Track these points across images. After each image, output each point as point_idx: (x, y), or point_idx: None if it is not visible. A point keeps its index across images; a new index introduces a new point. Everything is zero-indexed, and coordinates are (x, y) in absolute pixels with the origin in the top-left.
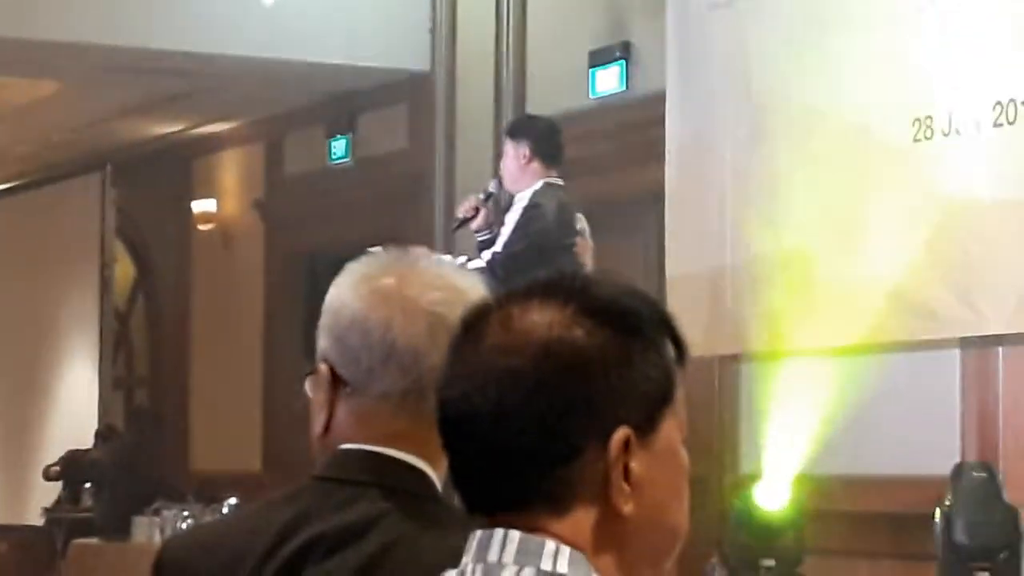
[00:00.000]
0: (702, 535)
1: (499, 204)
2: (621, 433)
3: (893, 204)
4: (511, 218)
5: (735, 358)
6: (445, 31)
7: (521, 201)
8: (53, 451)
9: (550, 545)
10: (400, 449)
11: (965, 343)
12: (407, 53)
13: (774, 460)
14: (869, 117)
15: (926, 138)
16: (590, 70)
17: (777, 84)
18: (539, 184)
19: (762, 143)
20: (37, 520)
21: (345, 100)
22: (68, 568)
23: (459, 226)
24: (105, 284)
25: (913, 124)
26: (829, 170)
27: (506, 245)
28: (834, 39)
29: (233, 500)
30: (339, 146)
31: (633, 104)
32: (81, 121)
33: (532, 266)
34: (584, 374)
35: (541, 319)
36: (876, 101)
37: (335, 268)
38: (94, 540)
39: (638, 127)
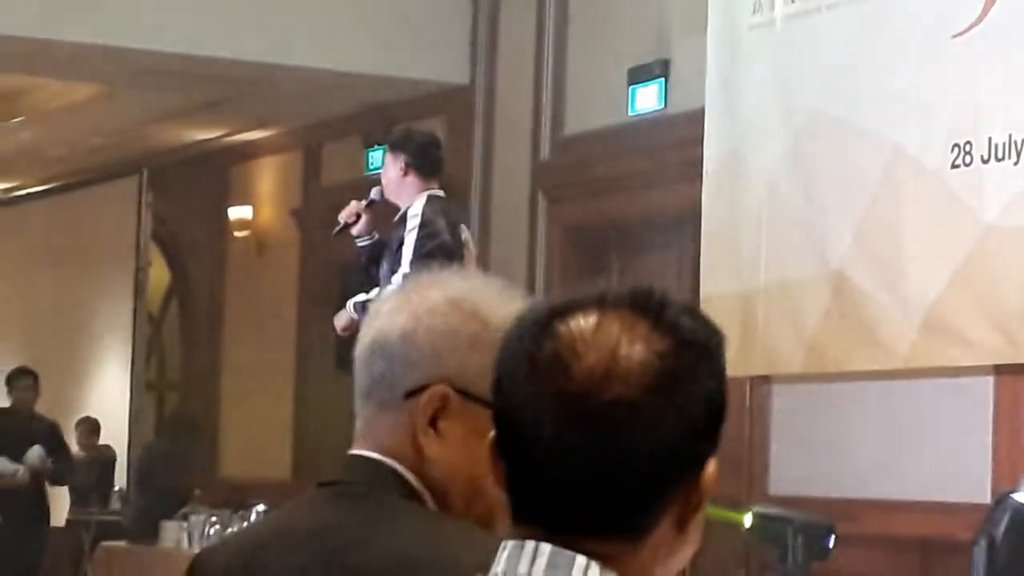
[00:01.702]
0: (730, 555)
1: (380, 212)
2: (713, 466)
3: (929, 229)
4: (409, 239)
5: (767, 379)
6: (485, 44)
7: (414, 220)
8: None
9: (580, 560)
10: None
11: (999, 370)
12: (447, 65)
13: (802, 482)
14: (907, 141)
15: (964, 164)
16: (629, 87)
17: (816, 105)
18: (423, 197)
19: (799, 164)
20: (65, 521)
21: (384, 111)
22: (95, 570)
23: (340, 231)
24: (139, 288)
25: (952, 149)
26: (866, 193)
27: (413, 262)
28: (874, 62)
29: (262, 507)
30: (376, 157)
31: (671, 122)
32: (119, 125)
33: None
34: (690, 404)
35: (637, 341)
36: (915, 125)
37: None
38: (122, 543)
39: (676, 145)
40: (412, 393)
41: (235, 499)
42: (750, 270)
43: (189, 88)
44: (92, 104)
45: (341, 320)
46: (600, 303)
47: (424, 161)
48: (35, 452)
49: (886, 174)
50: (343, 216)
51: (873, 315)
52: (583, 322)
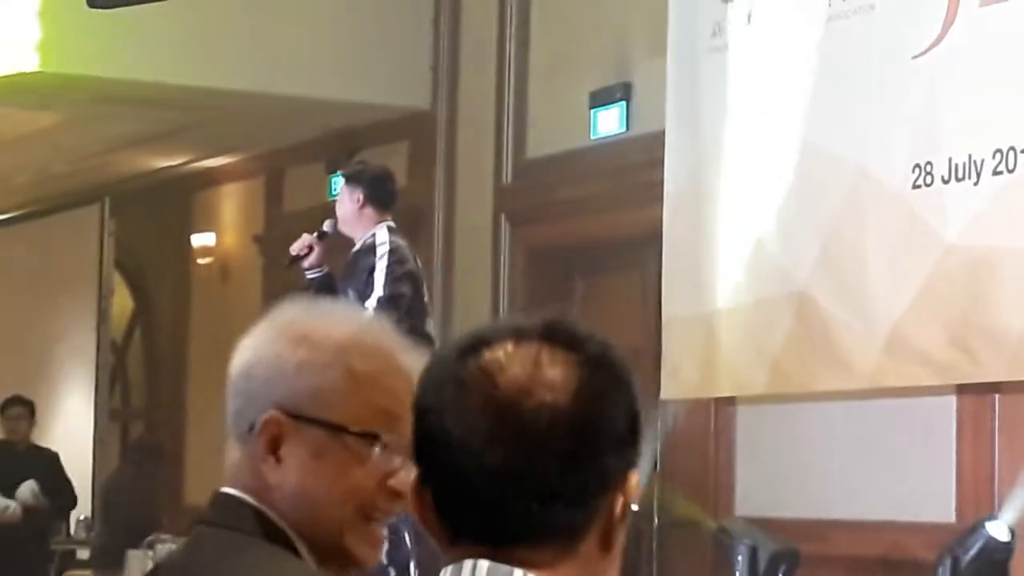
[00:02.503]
0: (695, 574)
1: (331, 244)
2: (635, 478)
3: (892, 249)
4: (381, 265)
5: (731, 401)
6: (447, 69)
7: (383, 247)
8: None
9: (517, 572)
10: None
11: (962, 389)
12: (409, 91)
13: (767, 503)
14: (869, 161)
15: (926, 184)
16: (591, 110)
17: (776, 126)
18: (383, 227)
19: (759, 185)
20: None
21: (346, 136)
22: None
23: (292, 262)
24: (103, 316)
25: (913, 170)
26: (827, 213)
27: (386, 291)
28: (834, 83)
29: None
30: (339, 182)
31: (634, 145)
32: (81, 153)
33: (409, 306)
34: (611, 413)
35: (556, 359)
36: (876, 146)
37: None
38: (86, 573)
39: (638, 168)
40: (252, 427)
41: None
42: (712, 292)
43: (151, 115)
44: (53, 132)
45: None
46: (517, 332)
47: (380, 193)
48: (27, 487)
49: (849, 195)
50: (295, 248)
51: (837, 336)
52: (504, 345)
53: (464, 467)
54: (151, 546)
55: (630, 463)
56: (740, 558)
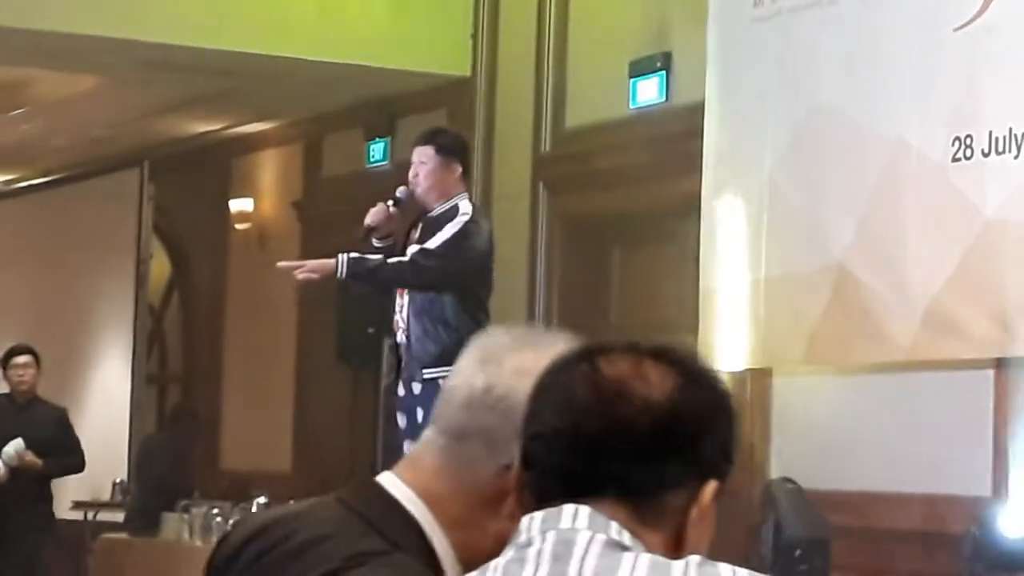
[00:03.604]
0: (732, 547)
1: (406, 212)
2: (711, 492)
3: (931, 222)
4: (451, 227)
5: (767, 372)
6: (487, 38)
7: (464, 214)
8: (85, 446)
9: (613, 522)
10: None
11: (1000, 363)
12: (448, 58)
13: (803, 475)
14: (909, 134)
15: (965, 158)
16: (630, 80)
17: (816, 99)
18: (466, 199)
19: (800, 157)
20: (66, 513)
21: (385, 104)
22: (95, 561)
23: (368, 233)
24: (141, 280)
25: (953, 143)
26: (867, 187)
27: (439, 246)
28: (876, 54)
29: (263, 499)
30: (378, 149)
31: (673, 115)
32: (120, 117)
33: (452, 275)
34: (699, 430)
35: (660, 370)
36: (916, 119)
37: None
38: (122, 535)
39: (677, 138)
40: (508, 467)
41: (236, 491)
42: (751, 263)
43: (191, 80)
44: (94, 96)
45: (319, 266)
46: (628, 346)
47: (469, 166)
48: (12, 446)
49: (888, 168)
50: (371, 219)
51: (875, 308)
52: (613, 352)
53: (561, 435)
54: (186, 509)
55: (707, 475)
56: (766, 534)
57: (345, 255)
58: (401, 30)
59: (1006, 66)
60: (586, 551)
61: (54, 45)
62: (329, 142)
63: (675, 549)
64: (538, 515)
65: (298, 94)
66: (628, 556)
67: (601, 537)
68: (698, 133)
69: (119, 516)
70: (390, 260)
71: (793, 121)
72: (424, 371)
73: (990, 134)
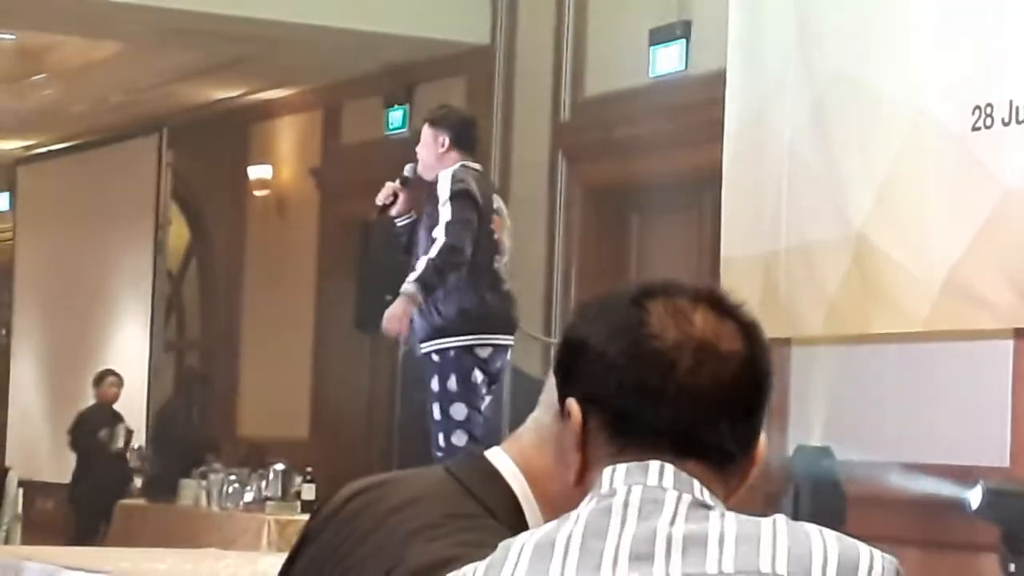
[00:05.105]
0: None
1: (416, 189)
2: (764, 439)
3: (950, 192)
4: (444, 212)
5: (787, 342)
6: (506, 5)
7: (444, 191)
8: None
9: (696, 481)
10: None
11: (1019, 333)
12: (468, 26)
13: (823, 444)
14: (929, 104)
15: (985, 126)
16: (650, 48)
17: (837, 68)
18: (447, 171)
19: (821, 126)
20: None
21: (404, 71)
22: (113, 527)
23: (380, 212)
24: (159, 246)
25: (973, 112)
26: (887, 155)
27: (448, 236)
28: (896, 24)
29: (280, 466)
30: (396, 116)
31: (692, 83)
32: (140, 83)
33: (477, 242)
34: (769, 381)
35: (728, 321)
36: (936, 88)
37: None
38: (140, 501)
39: (697, 106)
40: None
41: (253, 457)
42: (771, 232)
43: (210, 46)
44: (114, 61)
45: (398, 310)
46: (681, 290)
47: (465, 137)
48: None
49: (908, 137)
50: (380, 198)
51: (894, 278)
52: (677, 297)
53: (657, 388)
54: (204, 475)
55: (762, 426)
56: (785, 502)
57: (407, 285)
58: None
59: None
60: (675, 512)
61: (75, 11)
62: (348, 109)
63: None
64: (621, 467)
65: (317, 61)
66: (715, 515)
67: (687, 497)
68: (718, 102)
69: (137, 482)
70: (421, 264)
71: (814, 90)
72: (420, 345)
73: (1010, 103)
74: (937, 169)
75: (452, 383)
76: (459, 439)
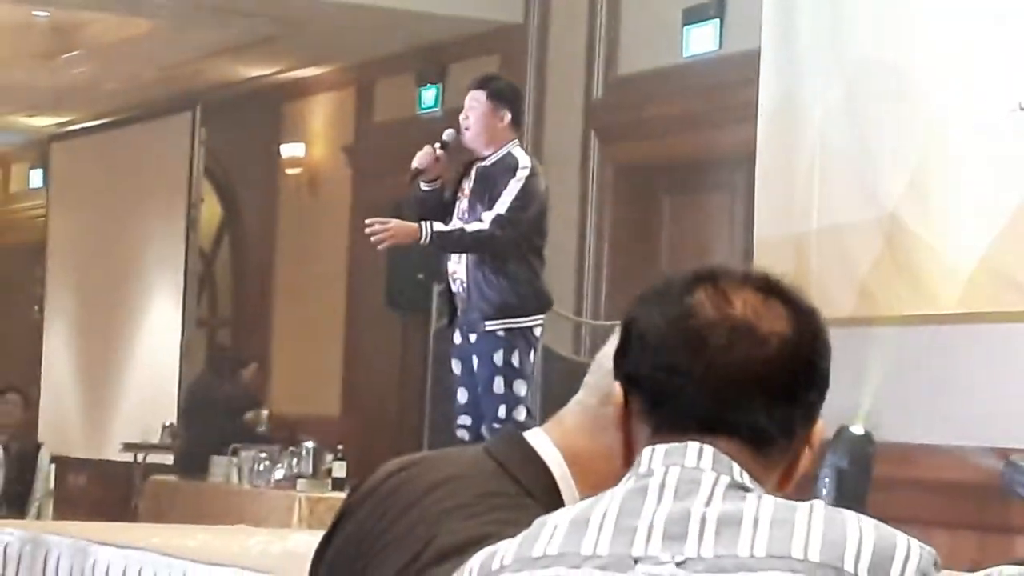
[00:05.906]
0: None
1: (453, 155)
2: (821, 424)
3: (984, 174)
4: (515, 183)
5: None
6: None
7: (524, 170)
8: (135, 388)
9: (735, 464)
10: None
11: None
12: (501, 4)
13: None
14: (963, 87)
15: (1020, 108)
16: (683, 27)
17: (871, 49)
18: (518, 147)
19: (854, 108)
20: (116, 455)
21: (437, 49)
22: (144, 503)
23: (416, 176)
24: (192, 224)
25: (1007, 97)
26: (919, 139)
27: (511, 208)
28: (930, 7)
29: (311, 443)
30: (429, 95)
31: (726, 63)
32: (173, 60)
33: (525, 237)
34: (823, 367)
35: (778, 304)
36: (969, 71)
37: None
38: (171, 477)
39: (730, 86)
40: None
41: (284, 435)
42: (803, 214)
43: (243, 24)
44: (147, 39)
45: (407, 229)
46: (731, 275)
47: (520, 114)
48: None
49: (940, 118)
50: (419, 161)
51: (925, 260)
52: (727, 283)
53: (687, 366)
54: (235, 453)
55: (815, 417)
56: (827, 479)
57: (428, 224)
58: None
59: None
60: (712, 493)
61: None
62: (381, 87)
63: (777, 490)
64: (660, 448)
65: (350, 39)
66: (752, 497)
67: (725, 479)
68: (751, 82)
69: (168, 458)
70: (469, 229)
71: (848, 72)
72: (486, 323)
73: None
74: (970, 153)
75: (516, 359)
76: (520, 414)
